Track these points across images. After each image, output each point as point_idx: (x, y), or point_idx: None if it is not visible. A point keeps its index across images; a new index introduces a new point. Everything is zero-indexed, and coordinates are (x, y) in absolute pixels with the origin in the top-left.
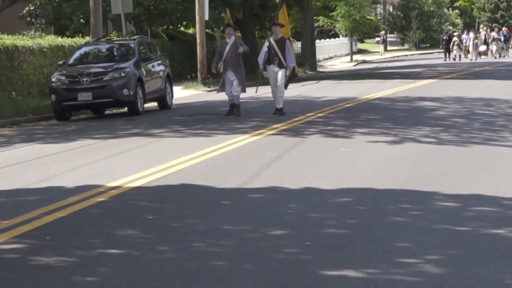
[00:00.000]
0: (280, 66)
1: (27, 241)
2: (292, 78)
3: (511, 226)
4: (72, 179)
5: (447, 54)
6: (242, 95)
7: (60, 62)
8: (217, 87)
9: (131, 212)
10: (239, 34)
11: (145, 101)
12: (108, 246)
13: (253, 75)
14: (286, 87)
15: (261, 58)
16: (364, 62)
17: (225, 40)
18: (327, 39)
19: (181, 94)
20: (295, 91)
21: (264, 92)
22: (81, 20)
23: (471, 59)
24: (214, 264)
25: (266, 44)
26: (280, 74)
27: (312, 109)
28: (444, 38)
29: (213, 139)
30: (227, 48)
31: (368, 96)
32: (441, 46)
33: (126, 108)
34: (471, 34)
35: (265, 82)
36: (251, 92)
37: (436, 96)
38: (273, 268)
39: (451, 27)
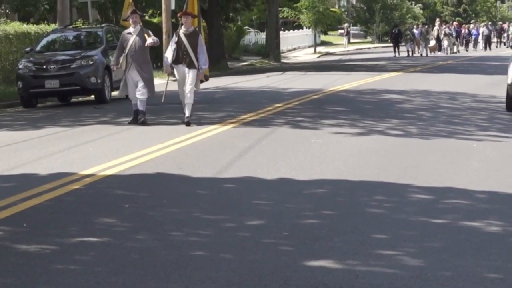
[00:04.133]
0: (191, 66)
1: (4, 228)
2: (202, 81)
3: (485, 219)
4: (45, 166)
5: (397, 48)
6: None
7: (27, 49)
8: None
9: (107, 200)
10: (204, 24)
11: (113, 89)
12: (86, 234)
13: (217, 65)
14: (197, 86)
15: (168, 57)
16: (328, 54)
17: (128, 29)
18: (291, 31)
19: None
20: (262, 82)
21: (231, 82)
22: (45, 6)
23: (421, 54)
24: (194, 254)
25: (175, 39)
26: (191, 76)
27: (280, 100)
28: (394, 31)
29: (183, 128)
30: (131, 40)
31: (335, 88)
32: (389, 40)
33: (93, 96)
34: (423, 29)
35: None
36: (214, 83)
37: (402, 89)
38: (253, 258)
39: (413, 21)
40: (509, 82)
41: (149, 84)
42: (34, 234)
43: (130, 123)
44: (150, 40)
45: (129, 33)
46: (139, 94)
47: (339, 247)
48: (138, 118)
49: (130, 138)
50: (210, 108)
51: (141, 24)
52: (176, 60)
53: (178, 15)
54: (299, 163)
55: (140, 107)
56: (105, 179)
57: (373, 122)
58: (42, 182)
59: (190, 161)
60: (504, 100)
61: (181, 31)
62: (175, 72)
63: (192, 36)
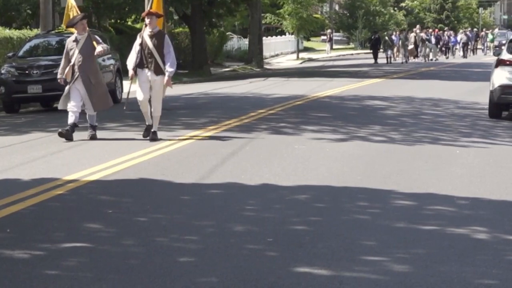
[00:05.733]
0: (157, 71)
1: None
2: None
3: (468, 225)
4: (28, 171)
5: (376, 55)
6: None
7: (10, 54)
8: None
9: (91, 205)
10: (185, 29)
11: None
12: (71, 239)
13: (200, 71)
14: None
15: (131, 60)
16: (311, 60)
17: (74, 37)
18: (274, 37)
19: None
20: (245, 87)
21: (214, 87)
22: (28, 11)
23: (403, 62)
24: (178, 259)
25: (138, 41)
26: (158, 83)
27: (263, 106)
28: (373, 37)
29: (166, 134)
30: (78, 48)
31: (318, 94)
32: (369, 45)
33: None
34: (401, 35)
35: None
36: (195, 89)
37: (385, 95)
38: (238, 264)
39: (395, 27)
40: (491, 88)
41: (101, 97)
42: (17, 239)
43: (61, 134)
44: (99, 48)
45: (75, 41)
46: (88, 109)
47: (323, 253)
48: (70, 134)
49: (113, 144)
50: (193, 114)
51: (88, 30)
52: (140, 64)
53: (142, 15)
54: (283, 169)
55: (91, 121)
56: (89, 184)
57: (356, 128)
58: (25, 188)
59: (173, 167)
60: (487, 106)
61: (145, 32)
62: (138, 78)
63: (157, 37)
